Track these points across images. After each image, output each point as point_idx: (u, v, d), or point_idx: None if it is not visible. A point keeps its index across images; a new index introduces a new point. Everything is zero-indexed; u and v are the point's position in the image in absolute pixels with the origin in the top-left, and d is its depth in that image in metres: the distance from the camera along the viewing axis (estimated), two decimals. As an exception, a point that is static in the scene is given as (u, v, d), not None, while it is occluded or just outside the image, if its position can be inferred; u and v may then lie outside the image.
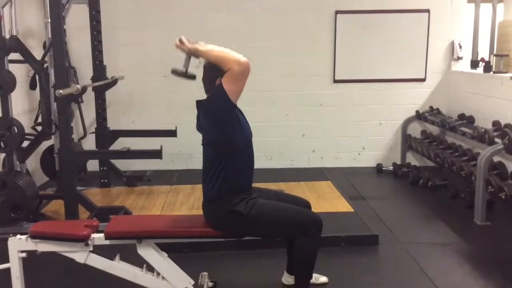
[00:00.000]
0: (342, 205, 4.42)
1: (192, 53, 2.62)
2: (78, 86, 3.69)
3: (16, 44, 3.90)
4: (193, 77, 2.68)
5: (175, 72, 2.68)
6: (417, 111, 5.87)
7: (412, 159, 6.00)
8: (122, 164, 5.32)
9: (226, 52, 2.53)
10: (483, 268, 3.32)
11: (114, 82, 4.98)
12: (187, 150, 5.72)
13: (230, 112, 2.56)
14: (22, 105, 4.88)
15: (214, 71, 2.57)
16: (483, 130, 4.47)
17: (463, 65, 5.80)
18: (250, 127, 2.74)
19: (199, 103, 2.66)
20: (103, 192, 4.97)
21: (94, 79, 4.84)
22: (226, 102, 2.50)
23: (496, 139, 4.26)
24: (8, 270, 2.64)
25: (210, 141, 2.64)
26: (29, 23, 5.09)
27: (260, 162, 5.63)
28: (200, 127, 2.68)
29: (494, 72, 5.01)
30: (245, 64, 2.47)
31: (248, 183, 2.73)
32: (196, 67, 2.69)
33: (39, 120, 4.40)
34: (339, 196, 4.69)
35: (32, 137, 4.12)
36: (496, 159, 4.21)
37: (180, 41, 2.62)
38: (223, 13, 5.58)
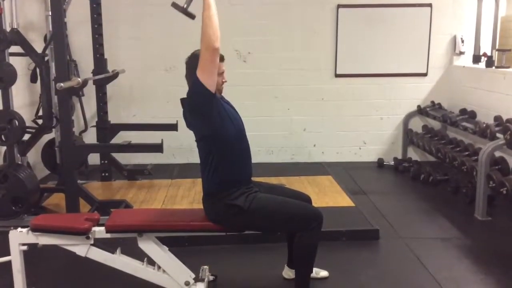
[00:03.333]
0: (343, 200, 4.42)
1: None
2: (79, 79, 3.69)
3: (17, 37, 3.89)
4: (191, 15, 2.60)
5: (175, 5, 2.61)
6: (418, 106, 5.85)
7: (413, 154, 5.99)
8: (123, 158, 5.32)
9: (212, 24, 2.45)
10: (483, 263, 3.32)
11: (115, 75, 4.97)
12: (188, 144, 5.71)
13: (211, 102, 2.51)
14: (22, 98, 4.88)
15: (195, 67, 2.53)
16: (484, 125, 4.46)
17: (465, 60, 5.78)
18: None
19: (182, 101, 2.64)
20: (104, 185, 4.97)
21: (95, 72, 4.84)
22: (204, 92, 2.47)
23: (498, 134, 4.25)
24: (9, 263, 2.65)
25: (201, 137, 2.63)
26: (30, 16, 5.07)
27: (261, 156, 5.68)
28: (189, 125, 2.67)
29: (496, 67, 4.99)
30: (211, 49, 2.39)
31: (246, 175, 2.73)
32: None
33: (40, 113, 4.40)
34: (340, 190, 4.69)
35: (33, 130, 4.12)
36: (497, 154, 4.21)
37: None
38: (224, 6, 5.56)
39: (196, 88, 2.49)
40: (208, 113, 2.53)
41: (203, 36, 2.42)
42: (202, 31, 2.44)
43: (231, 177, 2.63)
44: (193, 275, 2.70)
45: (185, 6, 2.60)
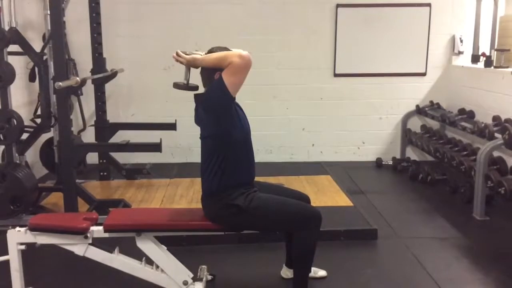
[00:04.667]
0: (342, 199, 4.42)
1: (191, 64, 2.64)
2: (78, 78, 3.68)
3: (16, 36, 3.88)
4: (195, 88, 2.70)
5: (177, 86, 2.71)
6: (417, 106, 5.86)
7: (412, 154, 5.99)
8: (122, 157, 5.32)
9: (224, 52, 2.55)
10: (481, 263, 3.32)
11: (113, 74, 4.96)
12: (187, 143, 5.72)
13: (229, 106, 2.55)
14: (21, 97, 4.87)
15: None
16: (483, 125, 4.47)
17: (464, 60, 5.79)
18: (249, 121, 2.73)
19: (197, 97, 2.65)
20: (103, 185, 4.97)
21: (93, 71, 4.83)
22: (226, 96, 2.49)
23: (496, 134, 4.25)
24: (7, 263, 2.65)
25: (208, 135, 2.63)
26: (29, 15, 5.07)
27: (260, 155, 5.67)
28: (198, 120, 2.68)
29: (495, 67, 5.00)
30: (247, 57, 2.47)
31: (248, 177, 2.72)
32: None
33: (39, 112, 4.39)
34: (338, 190, 4.69)
35: (32, 130, 4.11)
36: (495, 154, 4.21)
37: (177, 54, 2.64)
38: (223, 5, 5.56)
39: (218, 89, 2.51)
40: (223, 114, 2.55)
41: (227, 58, 2.48)
42: (222, 61, 2.50)
43: (233, 179, 2.63)
44: (192, 275, 2.70)
45: (185, 82, 2.68)
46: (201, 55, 2.64)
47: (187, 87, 2.68)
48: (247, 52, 2.49)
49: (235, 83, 2.50)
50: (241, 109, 2.72)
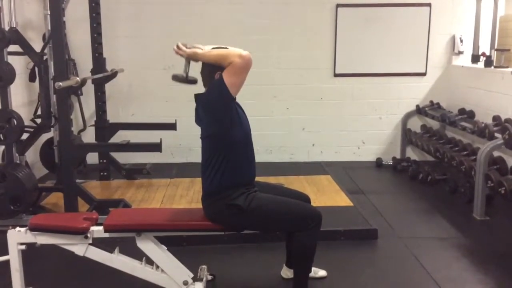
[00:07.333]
0: (342, 199, 4.42)
1: (191, 58, 2.62)
2: (78, 78, 3.69)
3: (16, 36, 3.88)
4: (194, 81, 2.68)
5: (175, 78, 2.68)
6: (417, 106, 5.86)
7: (412, 154, 6.00)
8: (122, 157, 5.32)
9: (225, 50, 2.53)
10: (481, 263, 3.32)
11: (113, 74, 4.96)
12: (187, 143, 5.72)
13: (229, 106, 2.54)
14: (21, 97, 4.87)
15: (213, 64, 2.56)
16: (483, 124, 4.47)
17: (464, 60, 5.79)
18: (249, 121, 2.73)
19: (197, 97, 2.65)
20: (103, 185, 4.97)
21: (93, 71, 4.83)
22: (226, 96, 2.49)
23: (496, 134, 4.26)
24: (7, 263, 2.65)
25: (208, 135, 2.63)
26: (29, 15, 5.07)
27: (260, 155, 5.63)
28: (198, 120, 2.68)
29: (495, 67, 5.00)
30: (247, 57, 2.46)
31: (248, 177, 2.72)
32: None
33: (39, 112, 4.39)
34: (338, 190, 4.69)
35: (32, 130, 4.11)
36: (496, 154, 4.21)
37: (178, 46, 2.63)
38: (223, 5, 5.56)
39: (218, 89, 2.50)
40: (223, 114, 2.54)
41: (228, 57, 2.47)
42: (222, 59, 2.49)
43: (234, 179, 2.62)
44: (192, 275, 2.70)
45: (184, 75, 2.65)
46: (202, 49, 2.61)
47: (186, 80, 2.65)
48: (248, 52, 2.48)
49: (236, 84, 2.50)
50: (241, 108, 2.72)
